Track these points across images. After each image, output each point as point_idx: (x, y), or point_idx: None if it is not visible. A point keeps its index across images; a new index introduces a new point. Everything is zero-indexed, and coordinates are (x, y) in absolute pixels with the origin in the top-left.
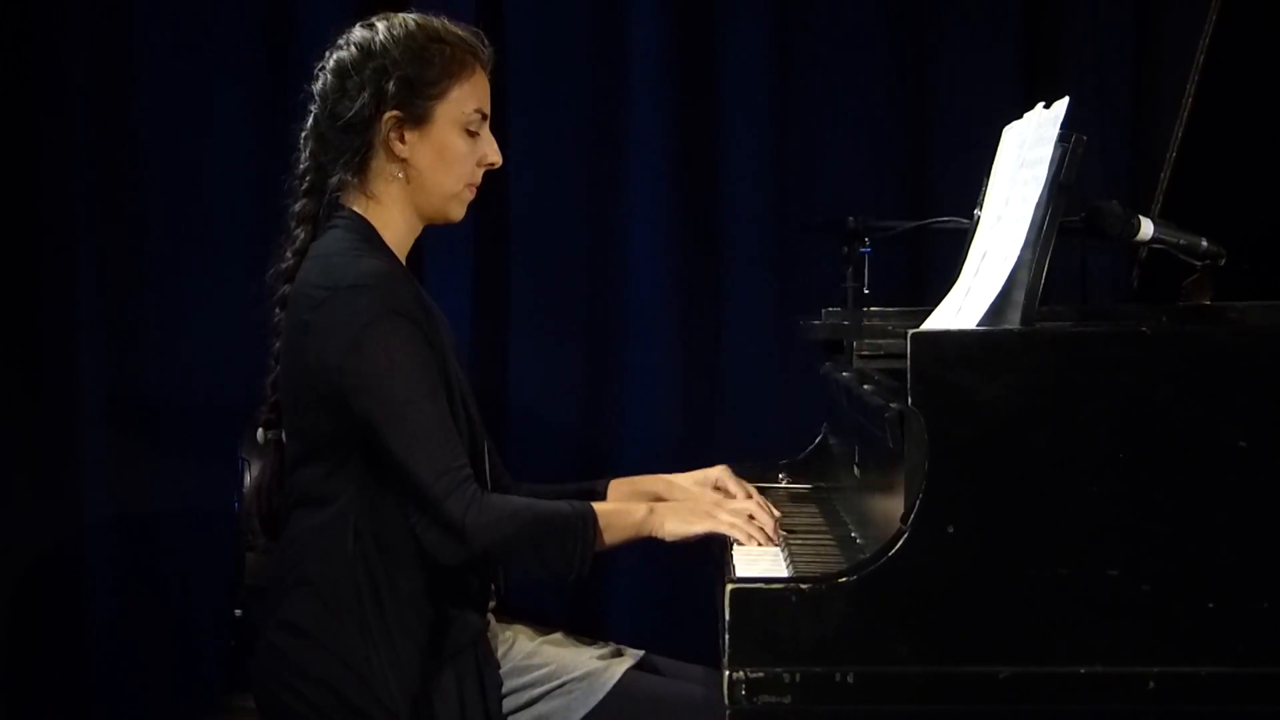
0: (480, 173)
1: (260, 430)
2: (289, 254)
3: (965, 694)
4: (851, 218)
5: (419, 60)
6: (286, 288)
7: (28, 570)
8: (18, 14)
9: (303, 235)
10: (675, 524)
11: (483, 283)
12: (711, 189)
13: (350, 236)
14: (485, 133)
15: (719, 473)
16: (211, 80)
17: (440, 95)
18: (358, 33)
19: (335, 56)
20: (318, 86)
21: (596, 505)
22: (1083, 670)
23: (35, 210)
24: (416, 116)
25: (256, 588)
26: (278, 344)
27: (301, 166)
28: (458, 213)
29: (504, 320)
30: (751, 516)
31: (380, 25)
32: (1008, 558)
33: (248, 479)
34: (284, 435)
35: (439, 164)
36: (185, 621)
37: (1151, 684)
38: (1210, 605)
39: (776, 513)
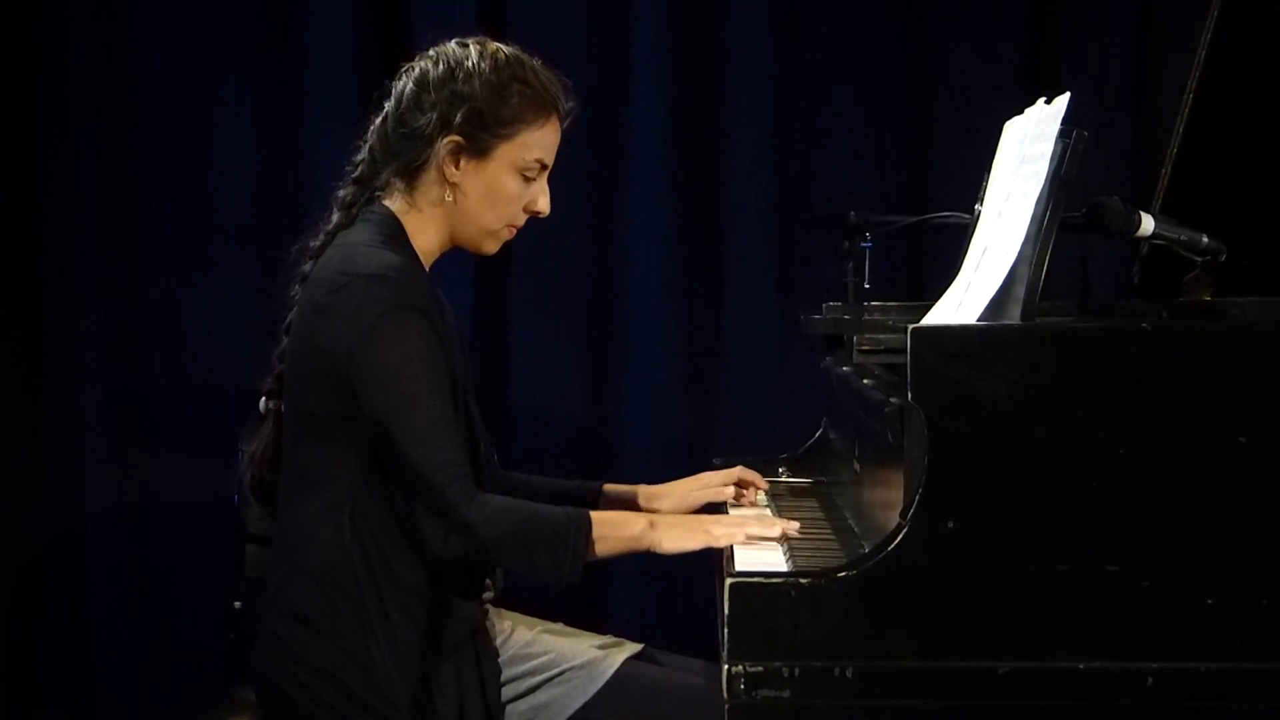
0: (524, 217)
1: (263, 399)
2: (321, 234)
3: (964, 689)
4: (852, 212)
5: (496, 96)
6: (309, 265)
7: (28, 561)
8: (21, 4)
9: (338, 219)
10: (672, 541)
11: (483, 276)
12: (713, 183)
13: (379, 231)
14: (541, 182)
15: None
16: (214, 70)
17: (507, 136)
18: (451, 50)
19: (421, 65)
20: (397, 87)
21: (595, 514)
22: (1082, 666)
23: (37, 201)
24: (478, 149)
25: (256, 580)
26: (290, 316)
27: (359, 156)
28: (491, 248)
29: (505, 314)
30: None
31: (474, 49)
32: (1007, 553)
33: None
34: (283, 408)
35: (485, 199)
36: (185, 613)
37: (1150, 680)
38: (1210, 602)
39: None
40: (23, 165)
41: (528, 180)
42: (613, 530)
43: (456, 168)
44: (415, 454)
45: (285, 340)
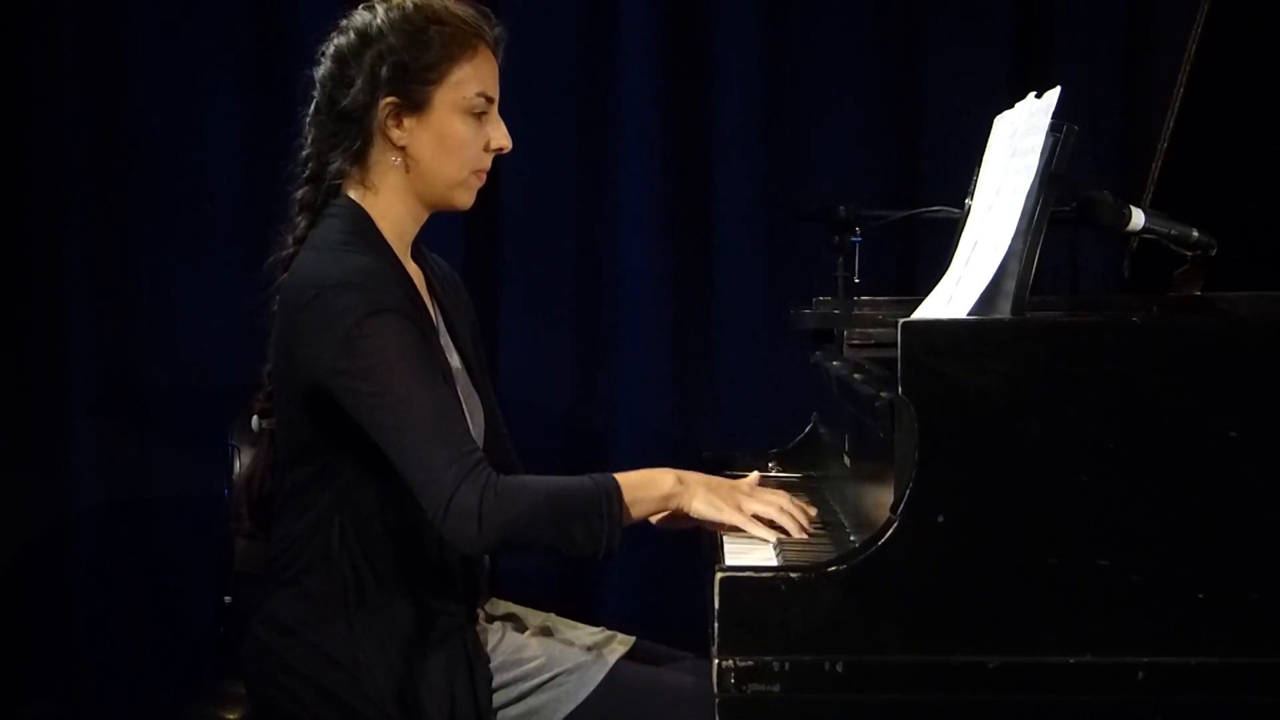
0: (489, 159)
1: (255, 418)
2: (289, 241)
3: (954, 684)
4: (842, 206)
5: (415, 44)
6: (283, 276)
7: (16, 555)
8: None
9: (302, 223)
10: (703, 504)
11: (472, 268)
12: (703, 177)
13: (344, 227)
14: (493, 116)
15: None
16: (203, 63)
17: (438, 80)
18: (358, 17)
19: (335, 42)
20: (319, 73)
21: (620, 476)
22: (1072, 661)
23: (26, 195)
24: (414, 103)
25: (246, 574)
26: (274, 334)
27: (304, 154)
28: (465, 200)
29: (493, 307)
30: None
31: (379, 8)
32: (997, 547)
33: (237, 465)
34: (276, 426)
35: (439, 151)
36: (174, 608)
37: (1141, 674)
38: (1200, 596)
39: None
40: (10, 157)
41: (478, 120)
42: (643, 491)
43: (400, 128)
44: (421, 455)
45: (272, 359)
